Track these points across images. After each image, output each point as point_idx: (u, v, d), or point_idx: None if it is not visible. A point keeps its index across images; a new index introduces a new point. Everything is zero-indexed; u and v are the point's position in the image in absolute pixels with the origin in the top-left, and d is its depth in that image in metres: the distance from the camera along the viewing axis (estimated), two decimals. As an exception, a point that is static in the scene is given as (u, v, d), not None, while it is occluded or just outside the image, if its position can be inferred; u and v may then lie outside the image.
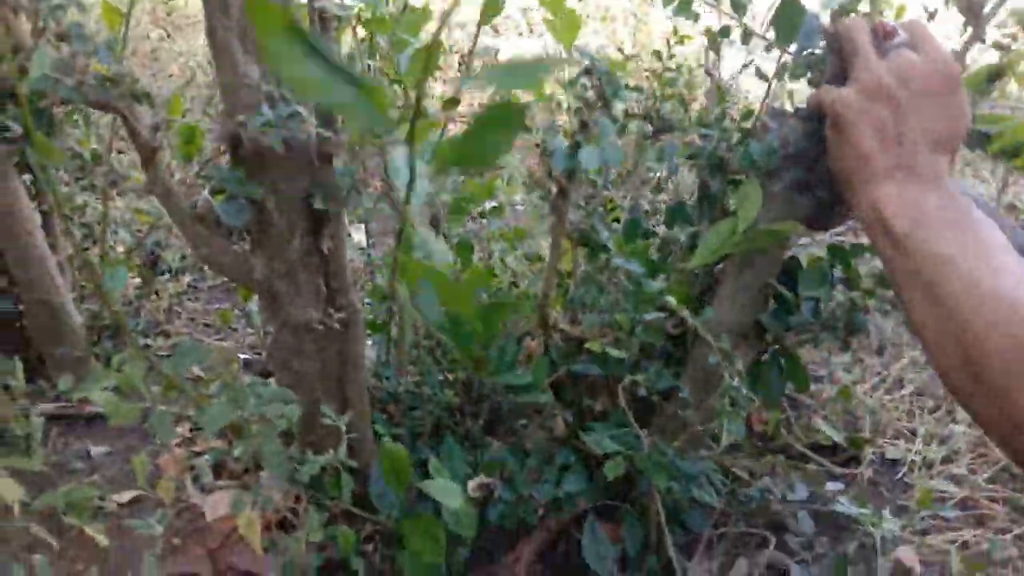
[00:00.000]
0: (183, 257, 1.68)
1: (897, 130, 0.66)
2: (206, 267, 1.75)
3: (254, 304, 1.07)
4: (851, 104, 0.69)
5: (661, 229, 1.17)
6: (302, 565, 0.98)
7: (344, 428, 0.88)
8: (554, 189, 0.95)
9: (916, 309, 0.63)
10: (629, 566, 1.10)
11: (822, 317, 0.95)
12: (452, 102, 0.82)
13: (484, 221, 1.32)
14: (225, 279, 1.86)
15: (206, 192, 0.74)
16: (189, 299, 1.75)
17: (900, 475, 1.41)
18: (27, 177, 1.26)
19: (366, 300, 1.17)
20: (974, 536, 1.26)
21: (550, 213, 0.98)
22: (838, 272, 0.98)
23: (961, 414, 1.50)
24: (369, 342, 1.19)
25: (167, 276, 1.63)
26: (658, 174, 1.17)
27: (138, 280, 1.59)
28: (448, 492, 0.87)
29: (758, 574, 1.10)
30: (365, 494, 0.99)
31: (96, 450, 1.26)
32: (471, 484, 0.98)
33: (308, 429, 0.95)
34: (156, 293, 1.59)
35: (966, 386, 0.59)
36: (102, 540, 0.98)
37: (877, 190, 0.66)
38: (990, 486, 1.37)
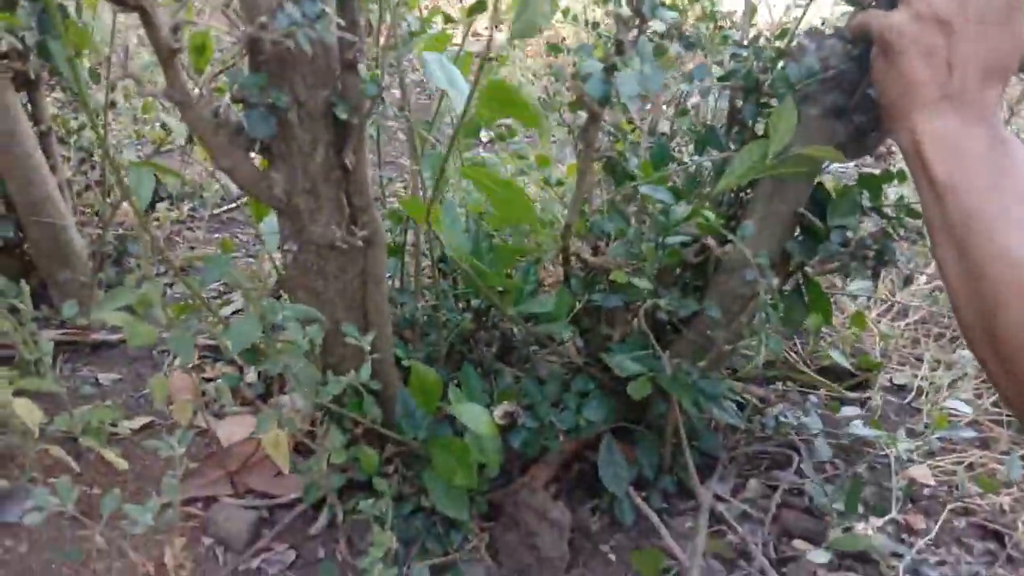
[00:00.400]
0: (183, 184, 1.63)
1: (948, 57, 0.62)
2: (206, 195, 1.72)
3: (266, 224, 1.04)
4: (904, 32, 0.64)
5: (683, 152, 1.14)
6: (324, 486, 0.98)
7: (367, 349, 0.86)
8: (584, 115, 0.91)
9: (948, 267, 0.61)
10: (644, 487, 1.11)
11: (851, 247, 0.93)
12: (479, 6, 0.78)
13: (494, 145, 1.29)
14: (224, 208, 1.82)
15: (227, 99, 0.71)
16: (188, 228, 1.72)
17: (908, 400, 1.42)
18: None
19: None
20: (980, 457, 1.28)
21: (578, 140, 0.94)
22: (867, 201, 0.96)
23: (968, 341, 1.51)
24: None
25: (167, 203, 1.59)
26: (682, 94, 1.13)
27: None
28: (477, 417, 0.86)
29: (777, 494, 1.11)
30: (386, 417, 0.98)
31: (105, 377, 1.24)
32: (496, 412, 0.98)
33: (329, 350, 0.93)
34: (156, 221, 1.55)
35: (988, 357, 0.58)
36: (121, 463, 0.97)
37: (920, 124, 0.63)
38: (995, 410, 1.39)
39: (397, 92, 0.98)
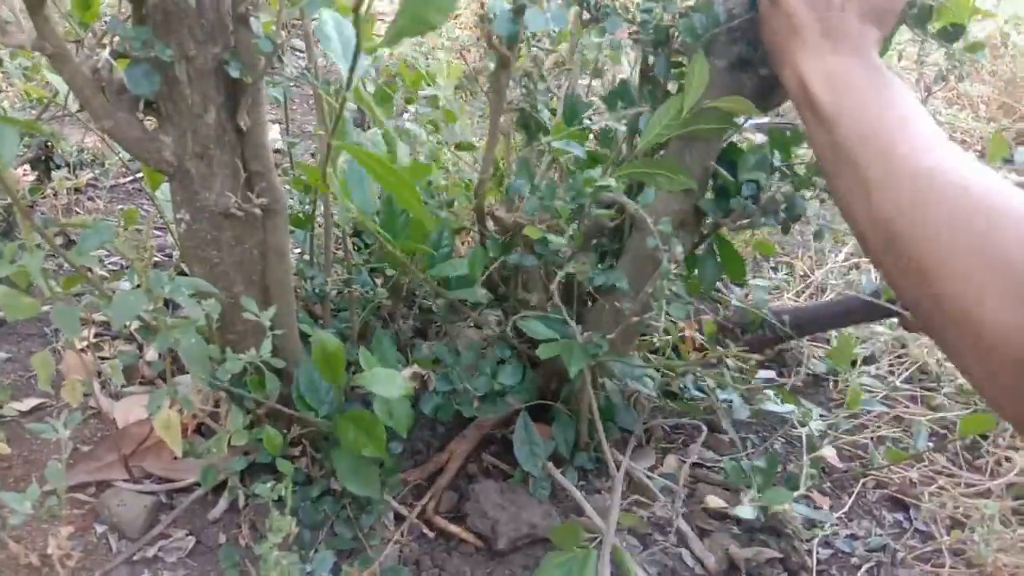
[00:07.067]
0: (81, 150, 1.53)
1: None
2: (106, 163, 1.62)
3: (161, 192, 0.97)
4: None
5: (598, 118, 1.12)
6: (224, 469, 0.93)
7: (268, 324, 0.82)
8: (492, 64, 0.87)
9: (843, 191, 0.61)
10: (560, 464, 1.09)
11: (762, 201, 0.93)
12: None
13: (412, 110, 1.24)
14: (130, 178, 1.73)
15: (106, 53, 0.65)
16: (89, 198, 1.62)
17: (823, 376, 1.44)
18: None
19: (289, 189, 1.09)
20: (892, 433, 1.30)
21: (488, 89, 0.91)
22: (777, 160, 0.96)
23: (881, 317, 1.54)
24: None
25: (64, 171, 1.49)
26: (596, 58, 1.11)
27: (33, 176, 1.45)
28: (384, 381, 0.82)
29: (686, 468, 1.11)
30: (290, 396, 0.94)
31: (-10, 356, 1.16)
32: (404, 371, 0.94)
33: (228, 326, 0.88)
34: (52, 189, 1.45)
35: (892, 269, 0.57)
36: (3, 448, 0.90)
37: (804, 62, 0.64)
38: (906, 386, 1.42)
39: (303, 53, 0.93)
